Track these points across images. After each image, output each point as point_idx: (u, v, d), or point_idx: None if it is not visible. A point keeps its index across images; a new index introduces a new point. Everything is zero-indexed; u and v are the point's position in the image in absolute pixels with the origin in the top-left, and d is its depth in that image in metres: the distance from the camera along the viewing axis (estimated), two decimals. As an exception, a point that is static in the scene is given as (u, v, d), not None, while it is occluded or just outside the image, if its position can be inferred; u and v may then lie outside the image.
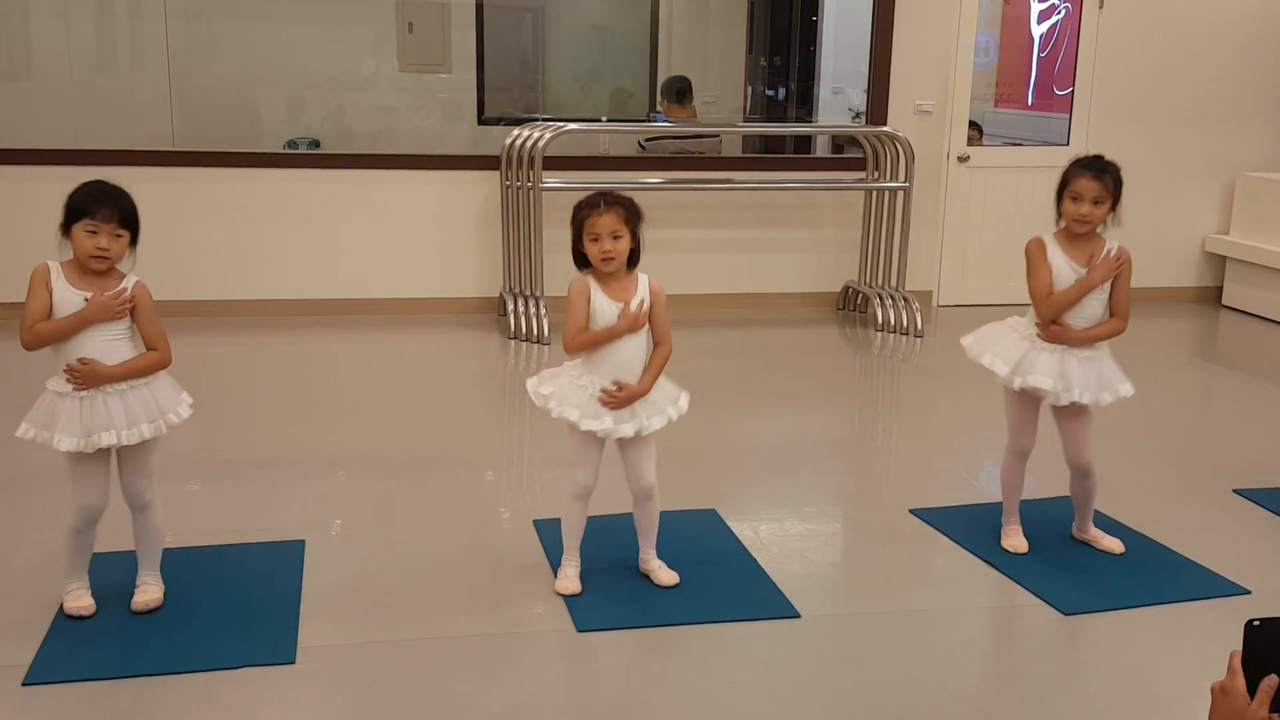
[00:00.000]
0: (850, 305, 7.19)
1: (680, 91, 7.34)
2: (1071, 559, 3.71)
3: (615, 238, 3.22)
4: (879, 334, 6.72)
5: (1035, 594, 3.46)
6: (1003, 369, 3.60)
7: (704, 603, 3.35)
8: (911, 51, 7.14)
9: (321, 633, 3.15)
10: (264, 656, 3.01)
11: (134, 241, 3.06)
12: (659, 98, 8.21)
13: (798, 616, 3.30)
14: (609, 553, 3.61)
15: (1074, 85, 7.54)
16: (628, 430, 3.29)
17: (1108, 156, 3.60)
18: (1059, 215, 3.61)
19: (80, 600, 3.18)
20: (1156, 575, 3.61)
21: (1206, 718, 1.75)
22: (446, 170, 6.99)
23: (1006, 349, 3.62)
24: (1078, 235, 3.56)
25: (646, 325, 3.33)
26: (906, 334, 6.66)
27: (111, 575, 3.30)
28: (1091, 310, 3.58)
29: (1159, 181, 7.46)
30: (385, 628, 3.20)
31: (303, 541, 3.72)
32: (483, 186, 6.95)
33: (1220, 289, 7.66)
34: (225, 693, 2.86)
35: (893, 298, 6.80)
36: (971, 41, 7.25)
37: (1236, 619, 3.32)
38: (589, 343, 3.29)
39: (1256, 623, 1.71)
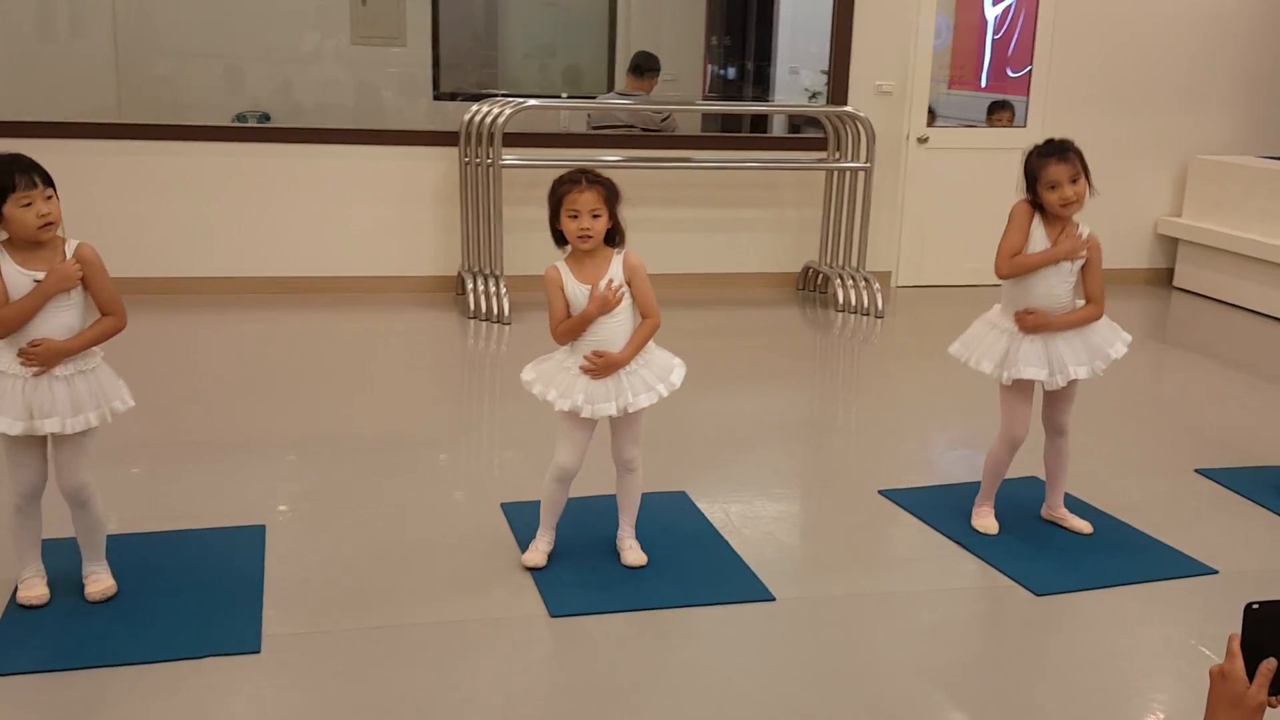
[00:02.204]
0: (810, 285, 7.17)
1: (638, 66, 7.25)
2: (1041, 539, 3.71)
3: (594, 216, 3.17)
4: (839, 314, 6.71)
5: (1008, 575, 3.46)
6: (989, 366, 3.58)
7: (678, 586, 3.31)
8: (872, 32, 7.12)
9: (287, 621, 3.07)
10: (229, 646, 2.92)
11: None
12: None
13: (773, 599, 3.26)
14: (583, 535, 3.56)
15: (1031, 67, 7.56)
16: (610, 409, 3.24)
17: (1058, 136, 3.58)
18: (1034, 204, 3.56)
19: (34, 590, 3.07)
20: (1126, 555, 3.62)
21: (1206, 700, 1.73)
22: (403, 146, 6.87)
23: (990, 346, 3.61)
24: (1059, 219, 3.53)
25: (629, 302, 3.27)
26: (867, 314, 6.65)
27: (60, 563, 3.19)
28: (1061, 295, 3.56)
29: (1113, 164, 7.48)
30: (352, 615, 3.13)
31: (263, 527, 3.63)
32: (440, 163, 6.84)
33: (1172, 270, 7.74)
34: (190, 683, 2.78)
35: (853, 278, 6.79)
36: (931, 23, 7.24)
37: (1205, 598, 3.36)
38: (571, 330, 3.26)
39: (1256, 606, 1.69)
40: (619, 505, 3.51)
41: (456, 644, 3.01)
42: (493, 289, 6.39)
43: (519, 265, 6.66)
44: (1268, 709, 1.67)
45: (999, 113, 7.66)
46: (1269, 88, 7.72)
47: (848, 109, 6.81)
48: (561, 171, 3.32)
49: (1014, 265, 3.53)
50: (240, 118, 7.61)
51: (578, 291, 3.23)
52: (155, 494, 3.88)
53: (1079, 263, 3.54)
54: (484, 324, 6.31)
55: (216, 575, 3.30)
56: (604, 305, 3.22)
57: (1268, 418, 5.18)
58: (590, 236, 3.18)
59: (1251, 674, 1.67)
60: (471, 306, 6.36)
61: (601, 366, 3.22)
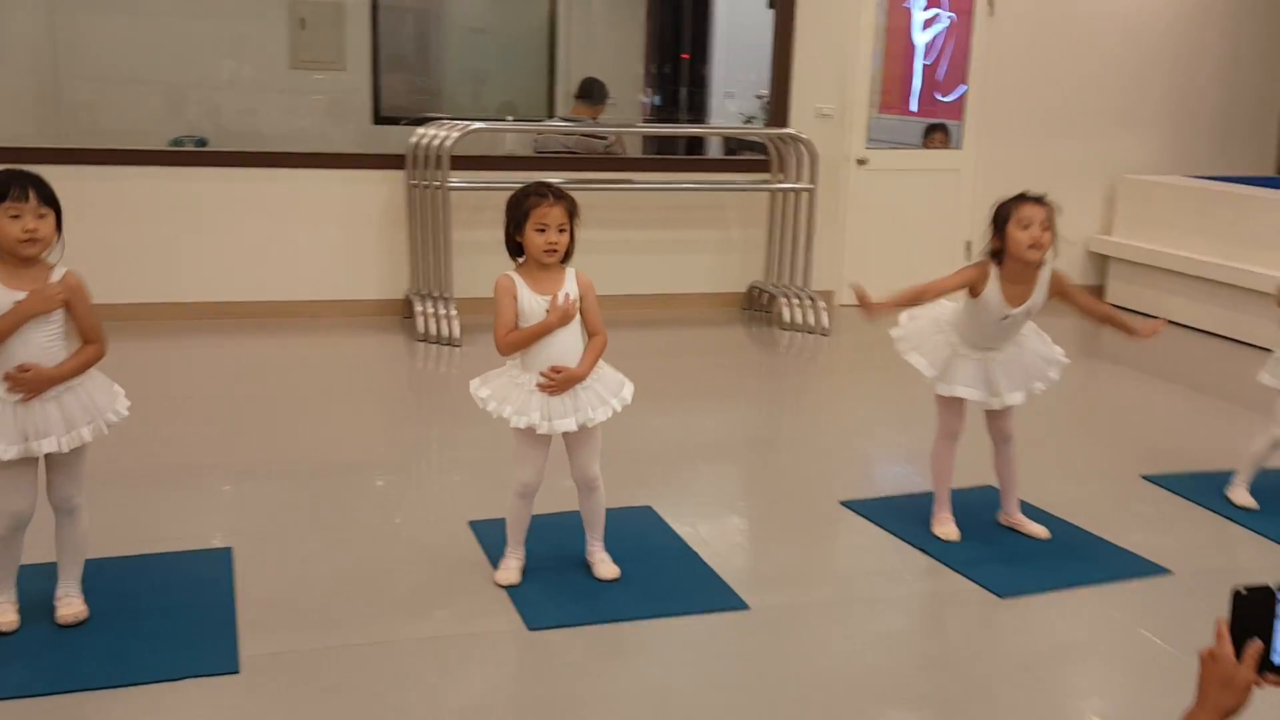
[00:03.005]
0: (756, 305, 7.26)
1: (587, 93, 7.32)
2: (1001, 545, 3.80)
3: (560, 230, 3.21)
4: (786, 333, 6.80)
5: (971, 579, 3.54)
6: (929, 373, 3.68)
7: (653, 598, 3.34)
8: (811, 56, 7.26)
9: (263, 641, 3.05)
10: (206, 667, 2.89)
11: (59, 226, 2.91)
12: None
13: (746, 608, 3.31)
14: (553, 550, 3.58)
15: (961, 91, 7.75)
16: (570, 425, 3.26)
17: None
18: (999, 247, 3.60)
19: (4, 616, 3.02)
20: (1083, 558, 3.72)
21: (1196, 683, 1.79)
22: (346, 169, 6.85)
23: (932, 350, 3.70)
24: (1023, 269, 3.58)
25: (578, 319, 3.31)
26: (813, 332, 6.76)
27: (29, 587, 3.13)
28: (1009, 334, 3.69)
29: (1045, 184, 7.51)
30: (329, 634, 3.11)
31: (229, 549, 3.59)
32: (385, 186, 6.83)
33: (1103, 287, 7.96)
34: (171, 705, 2.75)
35: (798, 297, 6.89)
36: (869, 47, 7.40)
37: (1162, 597, 3.47)
38: (520, 341, 3.26)
39: (1243, 591, 1.76)
40: (585, 522, 3.52)
41: (438, 659, 3.01)
42: (442, 311, 6.39)
43: (468, 288, 6.66)
44: (1255, 688, 1.74)
45: (934, 135, 7.84)
46: (1194, 109, 7.99)
47: (790, 131, 6.93)
48: (509, 193, 3.33)
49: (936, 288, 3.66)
50: (177, 142, 7.54)
51: (533, 303, 3.25)
52: (116, 519, 3.81)
53: (1030, 316, 3.65)
54: (434, 346, 6.30)
55: (187, 598, 3.26)
56: (565, 317, 3.24)
57: (1203, 426, 5.35)
58: (556, 251, 3.22)
59: (1239, 655, 1.74)
60: (421, 329, 6.35)
61: (560, 382, 3.24)
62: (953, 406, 3.78)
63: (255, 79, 8.16)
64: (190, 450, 4.58)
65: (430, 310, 6.40)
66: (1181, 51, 7.88)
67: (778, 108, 7.26)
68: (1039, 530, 3.88)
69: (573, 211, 3.24)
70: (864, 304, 3.63)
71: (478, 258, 6.82)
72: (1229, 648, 1.75)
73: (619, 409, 3.35)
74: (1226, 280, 6.88)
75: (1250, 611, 1.75)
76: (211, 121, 8.00)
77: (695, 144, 8.62)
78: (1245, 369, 6.05)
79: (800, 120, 7.23)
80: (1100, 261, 7.98)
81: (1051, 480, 4.39)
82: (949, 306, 3.83)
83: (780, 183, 7.02)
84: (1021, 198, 3.61)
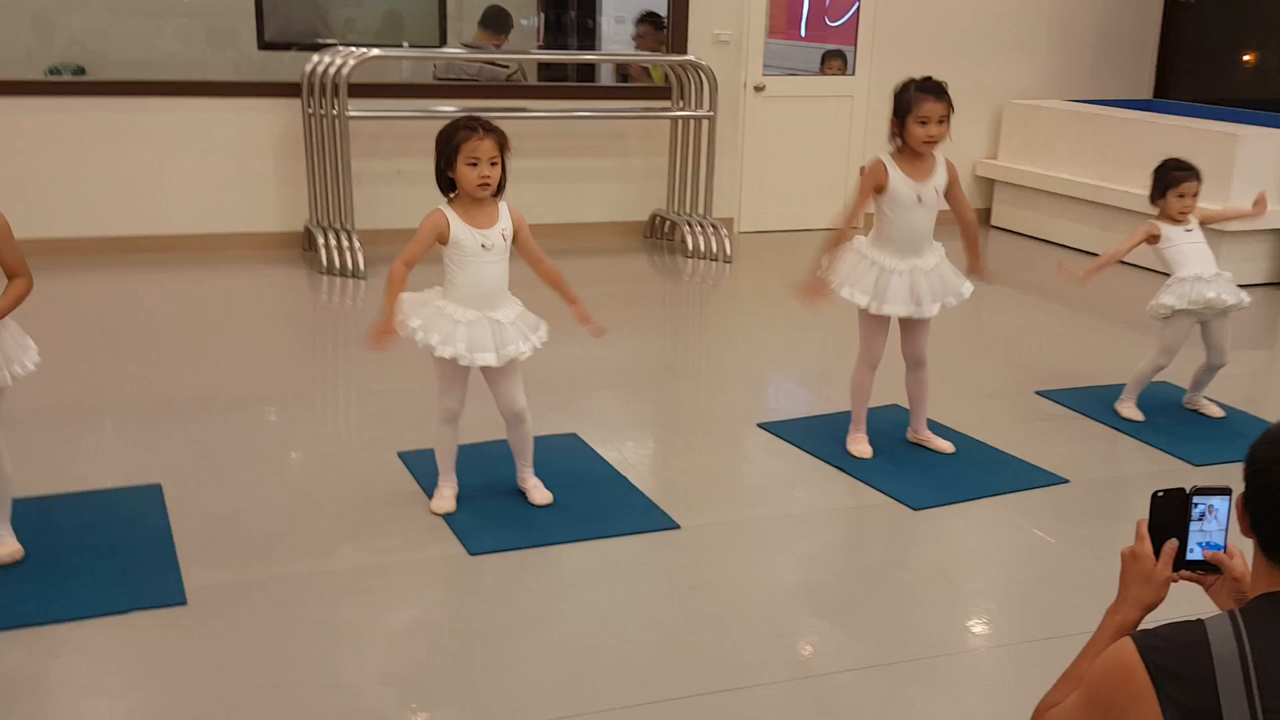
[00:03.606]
0: (659, 233, 7.34)
1: (492, 21, 7.24)
2: (911, 460, 4.00)
3: (492, 164, 3.24)
4: (689, 260, 6.91)
5: (886, 494, 3.73)
6: (863, 299, 3.81)
7: (588, 521, 3.45)
8: (708, -19, 7.29)
9: (206, 574, 3.07)
10: (154, 600, 2.92)
11: None
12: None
13: (678, 528, 3.44)
14: (484, 478, 3.65)
15: (850, 15, 7.87)
16: (490, 359, 3.30)
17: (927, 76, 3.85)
18: (897, 135, 3.80)
19: (-64, 558, 2.99)
20: (987, 470, 3.94)
21: (1119, 580, 1.95)
22: (238, 98, 6.70)
23: (861, 278, 3.84)
24: (918, 154, 3.78)
25: (506, 246, 3.35)
26: (716, 260, 6.88)
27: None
28: (926, 226, 3.85)
29: None
30: (273, 565, 3.16)
31: (159, 485, 3.59)
32: (279, 115, 6.70)
33: (990, 210, 8.23)
34: (123, 637, 2.77)
35: (700, 225, 6.99)
36: (766, -29, 7.45)
37: (1062, 504, 3.71)
38: (388, 293, 3.28)
39: (1160, 494, 1.91)
40: (514, 451, 3.60)
41: (384, 584, 3.08)
42: (345, 244, 6.33)
43: (370, 219, 6.61)
44: (1172, 584, 1.90)
45: (831, 61, 7.96)
46: (1075, 35, 8.25)
47: (690, 58, 6.98)
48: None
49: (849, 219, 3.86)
50: (53, 71, 7.25)
51: (468, 236, 3.28)
52: (37, 458, 3.76)
53: (939, 196, 3.83)
54: (337, 279, 6.25)
55: (123, 534, 3.27)
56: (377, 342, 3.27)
57: (1087, 344, 5.64)
58: (489, 184, 3.26)
59: (1157, 554, 1.89)
60: (324, 262, 6.29)
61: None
62: (876, 335, 3.92)
63: (134, 4, 7.86)
64: (101, 388, 4.51)
65: (333, 243, 6.33)
66: (1063, -21, 8.12)
67: (676, 34, 7.29)
68: (945, 445, 4.08)
69: (503, 144, 3.27)
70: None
71: (377, 188, 6.76)
72: (1149, 547, 1.89)
73: (538, 346, 3.41)
74: (1105, 201, 7.18)
75: (1167, 513, 1.89)
76: (83, 48, 7.69)
77: (584, 70, 8.57)
78: (1124, 288, 6.37)
79: (698, 47, 7.27)
80: (987, 185, 8.24)
81: (952, 399, 4.60)
82: (861, 239, 3.97)
83: (680, 110, 7.07)
84: (924, 89, 3.74)
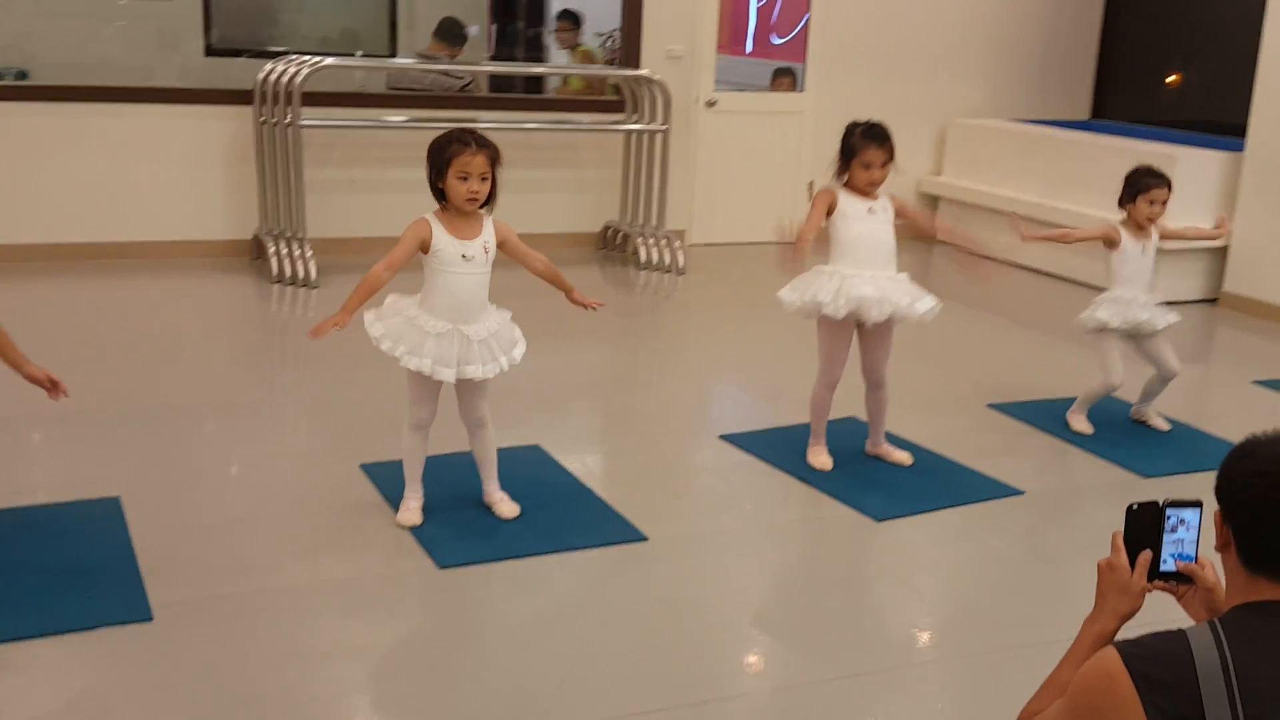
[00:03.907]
0: (611, 244, 7.37)
1: (448, 32, 7.25)
2: (871, 472, 4.06)
3: (483, 179, 3.25)
4: (642, 272, 6.94)
5: (848, 505, 3.78)
6: (827, 298, 3.85)
7: (556, 533, 3.46)
8: (660, -2, 7.35)
9: (171, 588, 3.03)
10: (120, 615, 2.88)
11: None
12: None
13: (645, 539, 3.46)
14: (449, 491, 3.65)
15: (799, 30, 7.96)
16: (448, 376, 3.30)
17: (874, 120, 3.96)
18: (842, 173, 3.94)
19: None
20: (945, 482, 4.01)
21: (1095, 590, 2.01)
22: (186, 104, 6.62)
23: (824, 284, 3.89)
24: (864, 192, 3.94)
25: (489, 258, 3.36)
26: (669, 271, 6.92)
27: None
28: (883, 234, 3.94)
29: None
30: (239, 579, 3.12)
31: (117, 498, 3.54)
32: (229, 122, 6.64)
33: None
34: (90, 654, 2.73)
35: (653, 237, 7.03)
36: (717, -11, 7.53)
37: (1019, 515, 3.79)
38: (360, 294, 3.25)
39: (1135, 506, 1.97)
40: (478, 462, 3.60)
41: (354, 600, 3.06)
42: (296, 252, 6.28)
43: (321, 227, 6.57)
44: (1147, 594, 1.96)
45: (781, 78, 8.04)
46: (1016, 57, 8.42)
47: (644, 73, 7.02)
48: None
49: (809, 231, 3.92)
50: (-6, 74, 7.12)
51: (450, 246, 3.29)
52: (-12, 471, 3.70)
53: (890, 213, 3.96)
54: (288, 288, 6.20)
55: (83, 548, 3.22)
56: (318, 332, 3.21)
57: (1034, 357, 5.75)
58: (477, 199, 3.27)
59: (1133, 565, 1.95)
60: (275, 270, 6.23)
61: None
62: (837, 353, 3.97)
63: (76, 6, 7.73)
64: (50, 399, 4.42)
65: (284, 251, 6.28)
66: (1004, 0, 8.28)
67: (629, 49, 7.33)
68: (903, 457, 4.15)
69: (495, 159, 3.28)
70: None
71: (328, 197, 6.71)
72: (1124, 558, 1.95)
73: (505, 368, 3.40)
74: (1047, 219, 7.30)
75: (1142, 525, 1.95)
76: (20, 52, 7.55)
77: (532, 82, 8.54)
78: (1066, 303, 6.50)
79: (651, 61, 7.32)
80: (931, 202, 8.37)
81: (906, 412, 4.65)
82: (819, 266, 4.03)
83: (634, 123, 7.11)
84: (868, 135, 3.87)
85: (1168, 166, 6.62)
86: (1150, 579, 1.94)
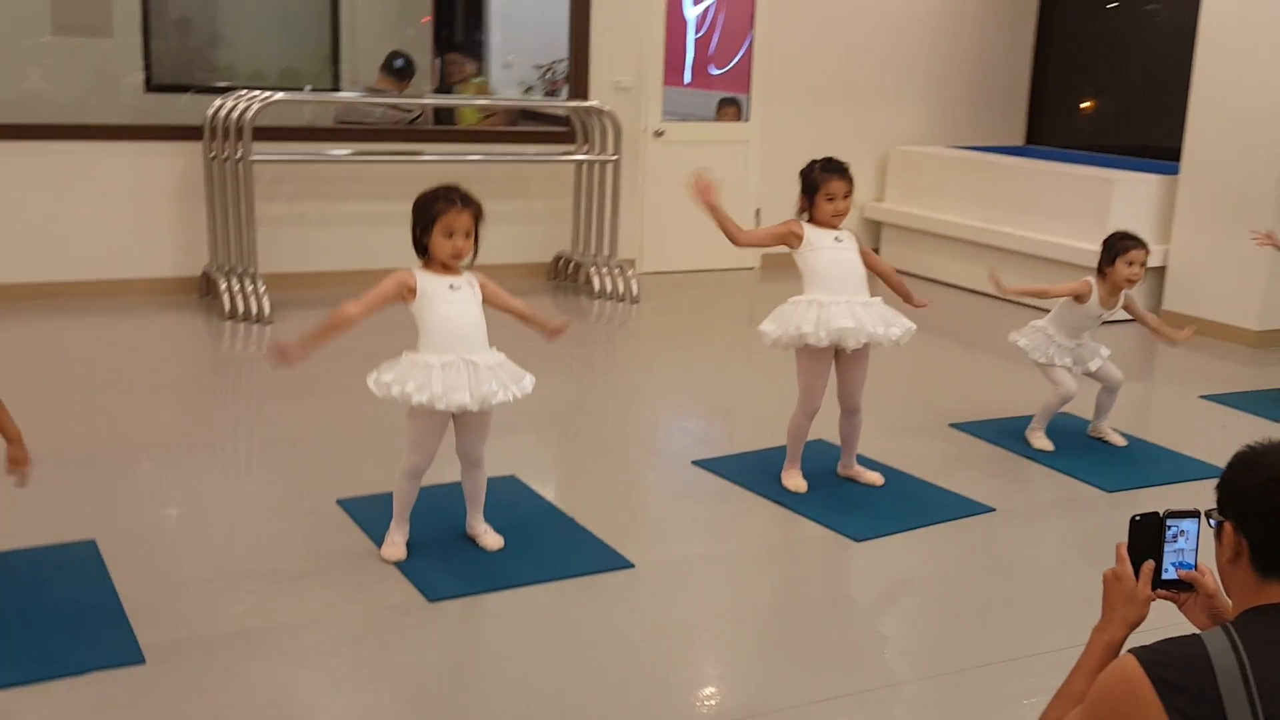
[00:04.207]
0: (563, 275, 7.40)
1: (397, 68, 7.26)
2: (845, 494, 4.12)
3: (466, 236, 3.27)
4: (595, 301, 6.98)
5: (827, 526, 3.83)
6: (810, 328, 3.91)
7: (542, 562, 3.46)
8: (607, 29, 7.41)
9: (160, 630, 2.99)
10: (111, 659, 2.83)
11: None
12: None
13: (632, 566, 3.48)
14: (432, 524, 3.63)
15: (747, 64, 8.09)
16: (464, 399, 3.25)
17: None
18: (806, 209, 4.05)
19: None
20: (918, 501, 4.08)
21: (1102, 600, 2.07)
22: (133, 141, 6.56)
23: (804, 314, 3.96)
24: (829, 224, 4.03)
25: (479, 297, 3.38)
26: (622, 300, 6.96)
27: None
28: (852, 263, 4.02)
29: (822, 154, 8.00)
30: (229, 619, 3.09)
31: (93, 541, 3.48)
32: (176, 159, 6.58)
33: (878, 250, 8.51)
34: (86, 699, 2.68)
35: (606, 266, 7.08)
36: (662, 20, 7.63)
37: (993, 532, 3.87)
38: (325, 328, 3.24)
39: (1137, 518, 2.04)
40: (467, 496, 3.59)
41: (347, 633, 3.04)
42: (249, 288, 6.23)
43: (274, 263, 6.52)
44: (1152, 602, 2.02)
45: (727, 108, 8.15)
46: (954, 85, 8.63)
47: (594, 104, 7.09)
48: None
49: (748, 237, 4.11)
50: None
51: (436, 282, 3.31)
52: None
53: (855, 243, 4.06)
54: (241, 324, 6.14)
55: (65, 592, 3.16)
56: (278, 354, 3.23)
57: (985, 379, 5.88)
58: (462, 256, 3.29)
59: (1136, 574, 2.01)
60: (227, 307, 6.17)
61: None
62: (816, 380, 4.03)
63: (14, 45, 7.61)
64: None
65: (237, 287, 6.22)
66: (941, 31, 8.49)
67: (578, 80, 7.39)
68: (875, 477, 4.21)
69: (478, 217, 3.30)
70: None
71: (278, 231, 6.67)
72: (1129, 568, 2.01)
73: (519, 395, 3.39)
74: (986, 242, 7.51)
75: (1144, 536, 2.02)
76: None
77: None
78: (1009, 325, 6.64)
79: (599, 92, 7.39)
80: (874, 228, 8.53)
81: (871, 433, 4.72)
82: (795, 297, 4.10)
83: (585, 154, 7.16)
84: (829, 170, 3.99)
85: (1106, 190, 6.86)
86: (1153, 588, 2.00)
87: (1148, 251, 4.53)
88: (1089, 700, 1.80)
